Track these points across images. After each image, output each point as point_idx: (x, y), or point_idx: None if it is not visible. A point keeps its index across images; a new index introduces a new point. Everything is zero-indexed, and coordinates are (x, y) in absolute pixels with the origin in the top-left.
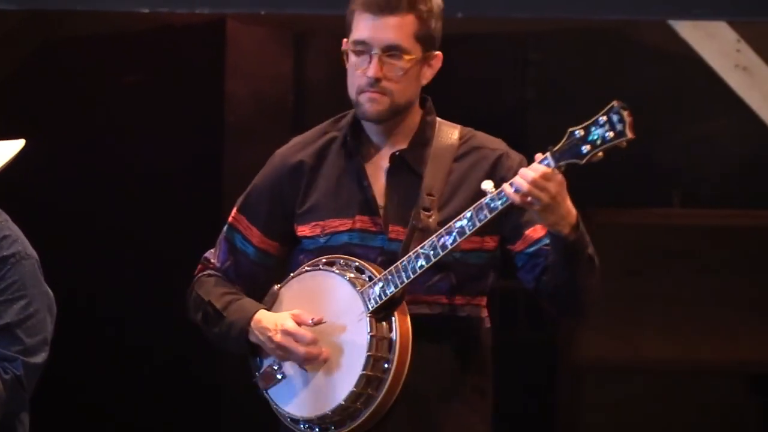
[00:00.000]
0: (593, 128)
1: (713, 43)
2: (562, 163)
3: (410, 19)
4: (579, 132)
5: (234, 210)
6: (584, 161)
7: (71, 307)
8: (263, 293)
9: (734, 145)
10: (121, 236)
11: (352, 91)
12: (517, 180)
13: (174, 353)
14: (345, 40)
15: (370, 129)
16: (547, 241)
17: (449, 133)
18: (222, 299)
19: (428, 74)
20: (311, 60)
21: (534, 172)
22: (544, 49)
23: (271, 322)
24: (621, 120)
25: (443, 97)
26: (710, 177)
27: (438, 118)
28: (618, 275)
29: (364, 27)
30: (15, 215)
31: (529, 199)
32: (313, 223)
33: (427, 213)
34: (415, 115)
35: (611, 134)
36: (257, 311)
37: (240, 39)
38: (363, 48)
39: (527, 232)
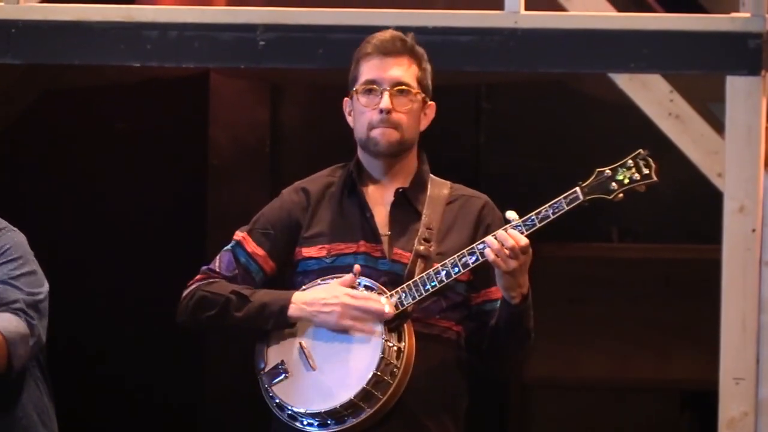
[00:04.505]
0: (620, 169)
1: (648, 93)
2: (590, 197)
3: (412, 62)
4: (607, 172)
5: (242, 233)
6: (611, 197)
7: (55, 342)
8: None
9: (666, 186)
10: (110, 271)
11: (362, 131)
12: (494, 242)
13: (154, 385)
14: (346, 99)
15: (373, 168)
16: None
17: (440, 185)
18: (244, 289)
19: (424, 122)
20: (285, 109)
21: (515, 240)
22: (496, 99)
23: (321, 291)
24: (648, 165)
25: None
26: (645, 214)
27: (431, 174)
28: (562, 303)
29: (373, 68)
30: None
31: (500, 261)
32: (319, 246)
33: (427, 243)
34: (413, 160)
35: (638, 176)
36: (292, 293)
37: (222, 90)
38: (373, 86)
39: (493, 288)
